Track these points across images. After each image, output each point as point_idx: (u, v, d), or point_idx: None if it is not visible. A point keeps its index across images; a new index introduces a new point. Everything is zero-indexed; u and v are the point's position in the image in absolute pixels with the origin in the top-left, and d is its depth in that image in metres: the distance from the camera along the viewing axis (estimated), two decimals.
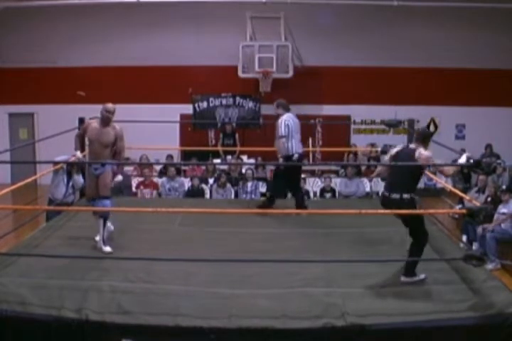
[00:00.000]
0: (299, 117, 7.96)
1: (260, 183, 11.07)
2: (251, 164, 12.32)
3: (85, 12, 13.29)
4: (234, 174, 11.71)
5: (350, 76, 13.82)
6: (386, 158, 5.58)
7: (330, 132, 13.83)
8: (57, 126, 8.00)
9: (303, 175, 11.30)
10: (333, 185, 11.27)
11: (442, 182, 8.85)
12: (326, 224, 6.97)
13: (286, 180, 7.85)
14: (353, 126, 14.30)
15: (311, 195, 11.20)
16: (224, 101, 14.34)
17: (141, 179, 11.13)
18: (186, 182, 11.16)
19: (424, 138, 5.30)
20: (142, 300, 4.75)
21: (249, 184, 10.83)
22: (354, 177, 11.50)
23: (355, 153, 13.42)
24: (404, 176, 5.13)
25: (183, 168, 12.70)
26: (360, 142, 13.77)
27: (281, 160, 7.65)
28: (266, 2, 12.37)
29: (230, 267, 5.35)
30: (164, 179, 11.06)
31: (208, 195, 10.81)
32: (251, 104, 14.28)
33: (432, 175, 8.36)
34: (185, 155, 13.58)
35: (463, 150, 7.29)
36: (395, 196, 5.10)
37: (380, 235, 6.50)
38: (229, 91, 14.21)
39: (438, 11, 13.06)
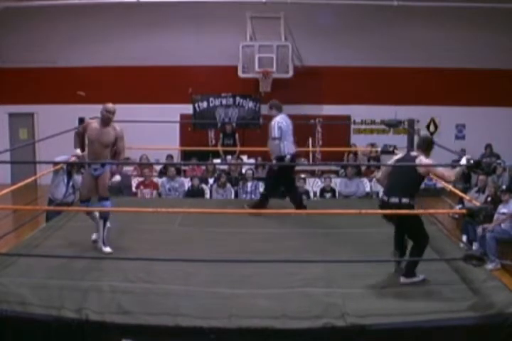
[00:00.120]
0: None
1: (260, 183, 11.02)
2: (251, 164, 12.31)
3: (85, 12, 13.29)
4: (234, 174, 11.70)
5: (350, 76, 13.82)
6: (388, 163, 5.59)
7: (330, 132, 13.83)
8: (57, 126, 7.97)
9: (303, 175, 11.37)
10: (333, 185, 11.26)
11: (442, 182, 8.82)
12: (326, 224, 6.98)
13: (280, 180, 7.95)
14: (353, 126, 14.30)
15: (311, 195, 11.18)
16: (224, 101, 14.34)
17: (141, 179, 11.14)
18: (186, 182, 11.15)
19: (428, 146, 5.31)
20: (142, 300, 4.75)
21: (249, 184, 10.82)
22: (354, 177, 11.50)
23: (355, 153, 13.42)
24: (404, 182, 5.14)
25: (183, 168, 12.69)
26: (360, 142, 13.77)
27: (274, 161, 7.77)
28: (266, 2, 12.37)
29: (230, 267, 5.34)
30: (164, 179, 11.06)
31: (208, 195, 10.80)
32: (251, 104, 14.27)
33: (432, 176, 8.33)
34: (185, 155, 13.57)
35: (463, 151, 7.30)
36: (394, 200, 5.10)
37: (380, 235, 6.47)
38: (229, 92, 14.21)
39: (438, 11, 13.06)
